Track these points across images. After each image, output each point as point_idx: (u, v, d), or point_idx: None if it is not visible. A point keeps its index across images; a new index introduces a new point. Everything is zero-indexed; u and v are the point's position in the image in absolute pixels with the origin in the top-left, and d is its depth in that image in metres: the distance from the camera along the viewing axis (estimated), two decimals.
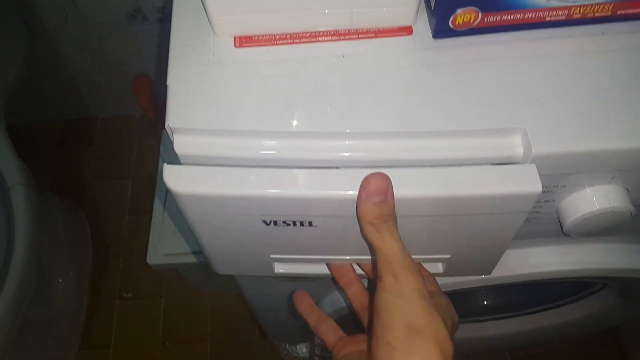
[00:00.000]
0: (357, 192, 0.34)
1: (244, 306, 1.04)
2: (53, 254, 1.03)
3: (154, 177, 1.02)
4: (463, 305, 0.78)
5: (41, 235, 0.90)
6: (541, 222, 0.42)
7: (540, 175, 0.36)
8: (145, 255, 0.93)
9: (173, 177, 0.35)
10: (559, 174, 0.37)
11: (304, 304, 0.47)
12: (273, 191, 0.34)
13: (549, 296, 0.75)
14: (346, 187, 0.34)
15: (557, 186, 0.38)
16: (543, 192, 0.38)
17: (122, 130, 1.38)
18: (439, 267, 0.45)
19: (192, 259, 0.91)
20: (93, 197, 1.32)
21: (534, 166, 0.34)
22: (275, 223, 0.37)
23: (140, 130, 1.38)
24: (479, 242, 0.41)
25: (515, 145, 0.35)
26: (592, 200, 0.38)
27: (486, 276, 0.52)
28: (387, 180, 0.33)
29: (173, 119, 0.36)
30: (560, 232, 0.42)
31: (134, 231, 1.27)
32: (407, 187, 0.34)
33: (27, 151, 1.00)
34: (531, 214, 0.41)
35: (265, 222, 0.37)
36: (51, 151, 1.38)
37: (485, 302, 0.80)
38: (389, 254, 0.33)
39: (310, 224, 0.37)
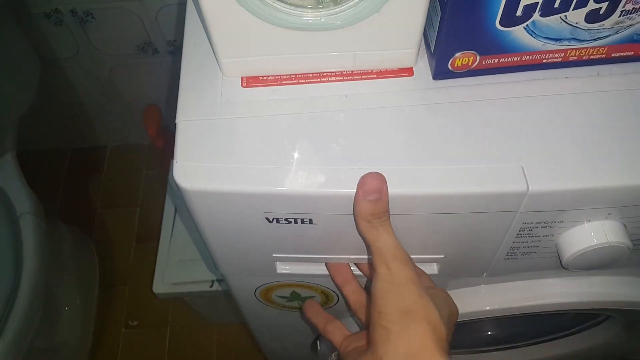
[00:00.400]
0: (355, 190, 0.36)
1: (250, 337, 1.04)
2: (60, 283, 1.04)
3: (161, 205, 1.03)
4: (468, 335, 0.78)
5: (49, 265, 0.92)
6: (541, 255, 0.43)
7: (537, 211, 0.37)
8: (152, 283, 0.94)
9: (182, 174, 0.37)
10: (556, 210, 0.37)
11: (312, 310, 0.50)
12: (276, 188, 0.36)
13: (553, 327, 0.75)
14: (346, 186, 0.36)
15: (555, 222, 0.39)
16: (541, 227, 0.39)
17: (130, 159, 1.40)
18: (434, 268, 0.47)
19: (198, 288, 0.92)
20: (101, 225, 1.33)
21: (520, 167, 0.36)
22: (277, 221, 0.39)
23: (148, 159, 1.40)
24: (472, 242, 0.42)
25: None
26: (589, 235, 0.39)
27: (491, 307, 0.52)
28: (382, 179, 0.35)
29: (181, 155, 0.37)
30: (560, 265, 0.43)
31: (141, 259, 1.28)
32: (402, 185, 0.36)
33: (37, 179, 1.02)
34: (530, 248, 0.42)
35: (268, 219, 0.39)
36: (61, 179, 1.39)
37: (490, 333, 0.80)
38: (382, 247, 0.35)
39: (311, 221, 0.39)
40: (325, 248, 0.44)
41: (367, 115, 0.39)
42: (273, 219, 0.39)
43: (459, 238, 0.41)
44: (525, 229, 0.40)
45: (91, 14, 1.02)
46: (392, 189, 0.35)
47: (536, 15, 0.35)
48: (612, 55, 0.40)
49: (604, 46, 0.39)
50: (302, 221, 0.39)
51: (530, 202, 0.36)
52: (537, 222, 0.39)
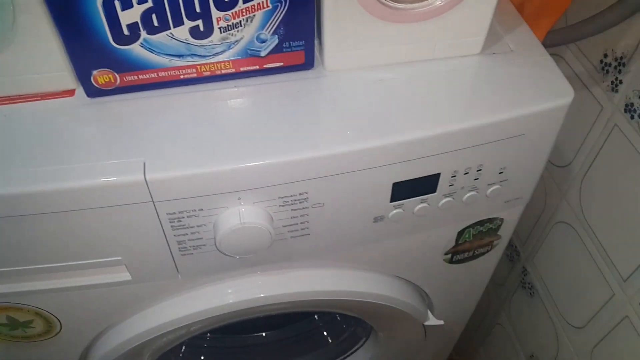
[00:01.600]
0: None
1: None
2: None
3: None
4: None
5: None
6: (214, 247, 0.48)
7: (171, 199, 0.43)
8: None
9: None
10: (188, 197, 0.43)
11: None
12: None
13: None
14: None
15: (196, 210, 0.44)
16: (187, 217, 0.45)
17: None
18: (126, 274, 0.50)
19: None
20: None
21: (142, 161, 0.41)
22: None
23: None
24: (134, 240, 0.46)
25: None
26: (227, 219, 0.44)
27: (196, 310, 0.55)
28: None
29: None
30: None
31: None
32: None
33: None
34: (196, 241, 0.47)
35: None
36: None
37: None
38: None
39: None
40: (16, 257, 0.46)
41: (24, 131, 0.43)
42: None
43: (123, 236, 0.45)
44: (175, 220, 0.44)
45: None
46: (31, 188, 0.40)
47: (145, 34, 0.42)
48: (241, 69, 0.47)
49: (228, 61, 0.46)
50: None
51: (157, 191, 0.41)
52: (179, 212, 0.44)
